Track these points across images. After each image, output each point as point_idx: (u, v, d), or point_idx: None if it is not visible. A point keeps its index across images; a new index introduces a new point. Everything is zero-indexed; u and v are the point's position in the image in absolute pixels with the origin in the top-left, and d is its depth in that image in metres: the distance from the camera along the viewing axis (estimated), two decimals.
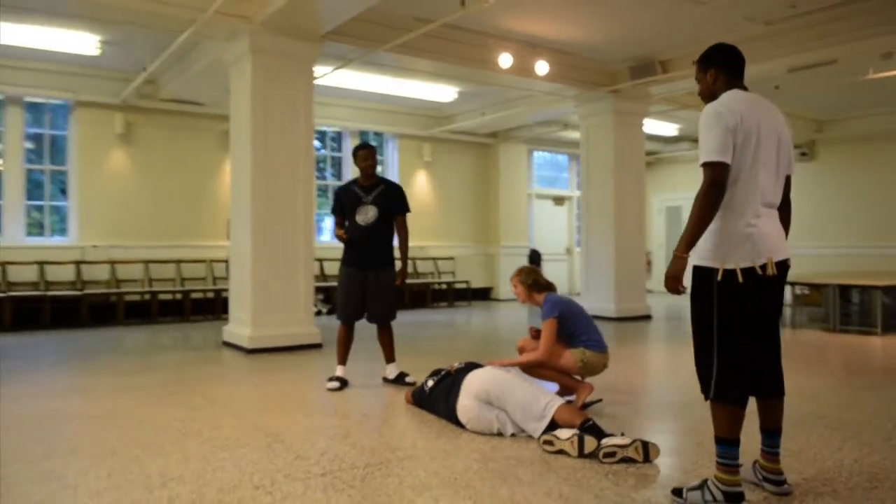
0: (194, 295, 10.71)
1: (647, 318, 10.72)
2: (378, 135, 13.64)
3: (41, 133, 10.57)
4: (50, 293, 9.56)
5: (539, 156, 15.85)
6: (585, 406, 4.63)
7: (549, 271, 15.01)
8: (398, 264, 5.73)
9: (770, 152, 2.92)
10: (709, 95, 3.08)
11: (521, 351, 4.85)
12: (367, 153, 5.57)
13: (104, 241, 10.36)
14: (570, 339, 4.61)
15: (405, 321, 10.43)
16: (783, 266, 2.93)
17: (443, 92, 11.50)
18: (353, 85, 10.88)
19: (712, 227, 2.89)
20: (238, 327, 7.69)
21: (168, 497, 3.06)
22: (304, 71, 7.75)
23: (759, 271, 2.84)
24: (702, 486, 2.91)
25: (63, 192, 10.64)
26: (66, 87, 10.05)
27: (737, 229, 2.86)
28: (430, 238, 13.67)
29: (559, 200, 15.90)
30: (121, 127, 10.51)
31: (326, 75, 9.24)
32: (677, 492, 2.98)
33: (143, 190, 10.71)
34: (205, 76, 9.18)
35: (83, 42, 8.75)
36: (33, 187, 10.51)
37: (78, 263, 10.10)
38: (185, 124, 11.00)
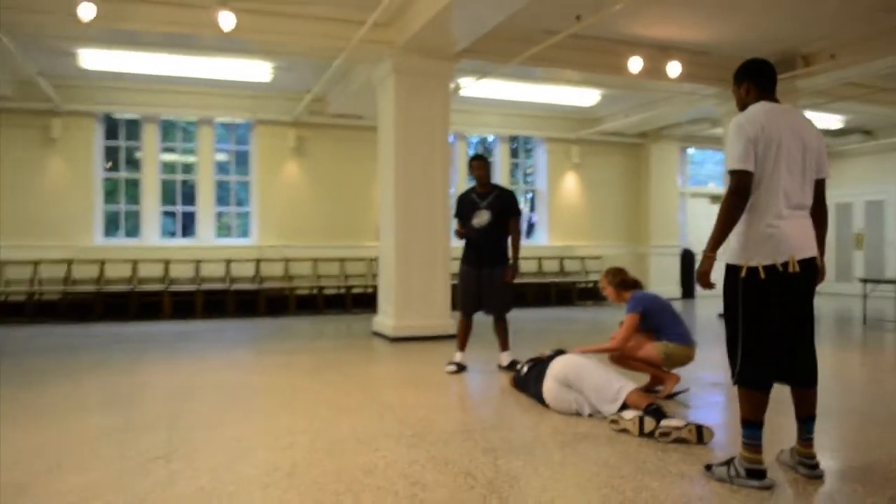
0: (355, 290, 11.88)
1: None
2: (528, 139, 14.21)
3: (228, 148, 12.24)
4: (234, 287, 11.12)
5: (699, 153, 15.62)
6: (672, 395, 4.95)
7: None
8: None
9: (795, 158, 3.18)
10: (742, 107, 3.38)
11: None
12: (479, 164, 6.21)
13: (279, 242, 11.81)
14: (656, 332, 4.96)
15: (549, 317, 11.00)
16: (808, 264, 3.18)
17: (586, 96, 11.85)
18: (500, 94, 11.55)
19: (739, 228, 3.22)
20: (384, 318, 8.61)
21: (290, 443, 3.88)
22: (440, 87, 8.51)
23: (781, 269, 3.13)
24: (728, 462, 3.24)
25: (247, 198, 12.24)
26: (248, 108, 11.61)
27: (759, 230, 3.16)
28: (579, 238, 14.02)
29: (715, 199, 15.56)
30: (293, 141, 11.91)
31: (466, 87, 9.92)
32: (708, 467, 3.33)
33: (312, 196, 12.05)
34: (361, 93, 10.22)
35: (259, 70, 10.15)
36: (224, 194, 12.21)
37: (257, 261, 11.61)
38: (348, 136, 12.19)
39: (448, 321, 8.42)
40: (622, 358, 5.07)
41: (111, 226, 11.54)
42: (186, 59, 9.58)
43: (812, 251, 3.21)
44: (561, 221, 13.99)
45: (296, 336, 8.91)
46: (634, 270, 14.31)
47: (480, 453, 3.69)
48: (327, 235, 12.09)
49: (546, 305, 12.89)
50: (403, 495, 3.05)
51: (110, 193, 11.58)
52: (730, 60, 9.73)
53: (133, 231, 11.60)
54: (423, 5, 7.37)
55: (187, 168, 12.04)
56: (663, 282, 13.78)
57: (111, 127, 11.51)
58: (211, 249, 11.52)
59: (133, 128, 11.57)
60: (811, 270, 3.22)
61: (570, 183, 14.15)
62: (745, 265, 3.19)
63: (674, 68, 9.01)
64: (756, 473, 3.14)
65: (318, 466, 3.46)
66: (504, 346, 6.28)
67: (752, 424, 3.18)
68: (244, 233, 12.20)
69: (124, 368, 6.44)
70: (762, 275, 3.14)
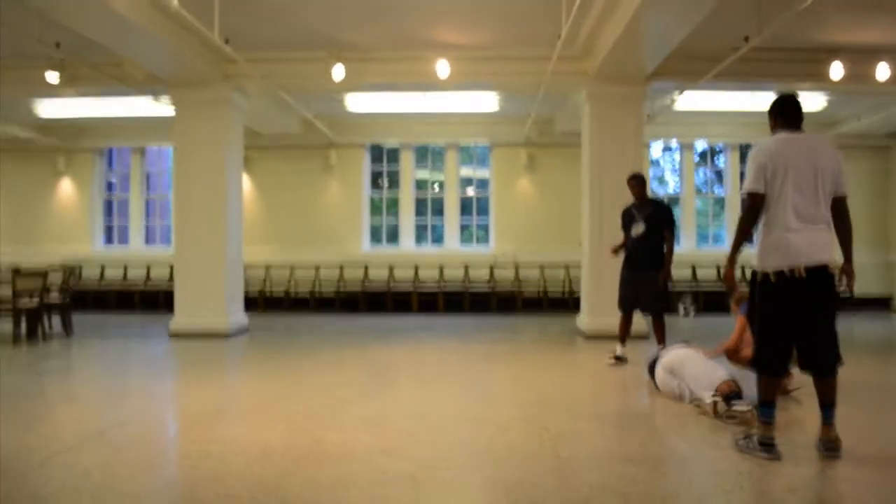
0: (577, 293, 12.91)
1: None
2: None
3: (471, 168, 14.08)
4: (470, 288, 12.86)
5: None
6: (787, 392, 5.43)
7: None
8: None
9: (806, 179, 3.80)
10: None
11: None
12: (635, 182, 7.12)
13: (511, 249, 13.31)
14: None
15: None
16: (815, 270, 3.76)
17: (811, 100, 11.59)
18: (723, 103, 11.74)
19: (758, 238, 3.92)
20: (583, 317, 9.64)
21: (440, 398, 5.33)
22: (633, 109, 9.35)
23: (789, 274, 3.77)
24: (748, 436, 3.95)
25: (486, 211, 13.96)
26: (485, 133, 13.35)
27: (771, 240, 3.85)
28: None
29: None
30: (525, 159, 13.38)
31: (678, 100, 10.48)
32: (736, 440, 4.04)
33: (542, 208, 13.39)
34: (578, 113, 11.29)
35: (488, 101, 11.77)
36: (468, 207, 14.07)
37: (491, 266, 13.24)
38: (573, 153, 13.01)
39: (639, 322, 9.17)
40: (739, 359, 5.64)
41: (375, 235, 13.98)
42: (430, 97, 11.47)
43: (821, 260, 3.78)
44: None
45: (512, 331, 10.29)
46: (881, 278, 13.57)
47: (569, 416, 4.75)
48: (554, 243, 13.29)
49: None
50: (485, 434, 4.29)
51: (375, 209, 14.04)
52: None
53: (392, 240, 13.93)
54: (606, 36, 8.27)
55: (437, 186, 14.11)
56: None
57: (376, 154, 13.96)
58: (453, 255, 13.43)
59: (393, 154, 13.91)
60: (820, 277, 3.79)
61: None
62: (760, 270, 3.88)
63: (882, 71, 8.79)
64: (766, 445, 3.82)
65: (446, 412, 4.84)
66: (660, 340, 7.03)
67: (766, 404, 3.87)
68: (483, 241, 13.93)
69: (370, 347, 8.36)
70: (772, 279, 3.81)
